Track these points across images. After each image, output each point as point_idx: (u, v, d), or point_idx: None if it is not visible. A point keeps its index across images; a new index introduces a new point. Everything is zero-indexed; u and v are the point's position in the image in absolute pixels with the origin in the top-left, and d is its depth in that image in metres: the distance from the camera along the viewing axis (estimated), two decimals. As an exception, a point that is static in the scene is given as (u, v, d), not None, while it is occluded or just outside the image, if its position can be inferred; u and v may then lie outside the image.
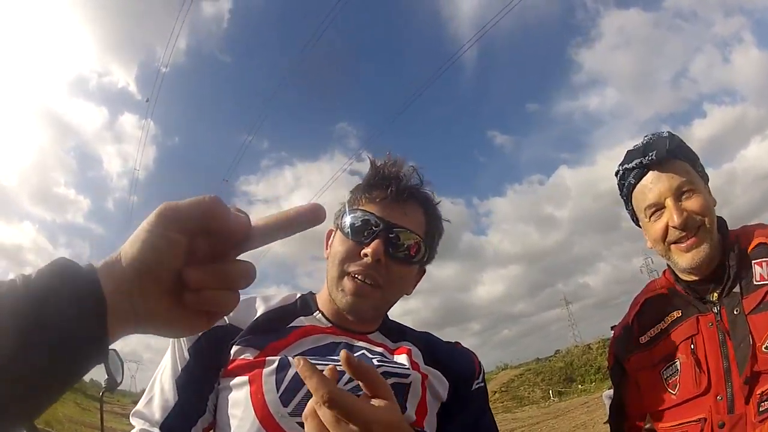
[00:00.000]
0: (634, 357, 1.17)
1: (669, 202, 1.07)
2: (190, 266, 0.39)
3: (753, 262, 1.05)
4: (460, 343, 1.04)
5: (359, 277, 0.87)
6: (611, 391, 1.31)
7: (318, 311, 0.94)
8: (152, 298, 0.38)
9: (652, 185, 1.09)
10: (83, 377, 0.37)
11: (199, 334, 0.85)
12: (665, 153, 1.07)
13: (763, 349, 0.99)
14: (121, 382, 1.94)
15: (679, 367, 1.08)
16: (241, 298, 0.71)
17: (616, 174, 1.18)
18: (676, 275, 1.15)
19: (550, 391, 29.70)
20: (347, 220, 0.90)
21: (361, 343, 0.91)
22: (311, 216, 0.42)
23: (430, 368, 0.91)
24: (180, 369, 0.87)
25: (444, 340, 1.03)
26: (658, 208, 1.09)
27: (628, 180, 1.14)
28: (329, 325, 0.92)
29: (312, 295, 0.99)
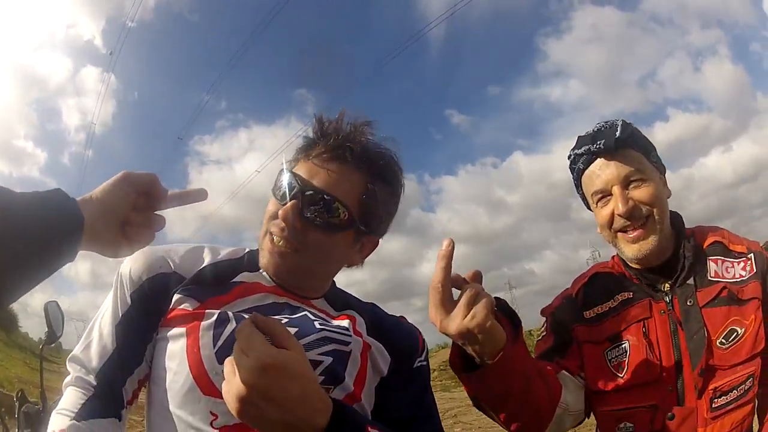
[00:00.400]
0: (580, 328, 1.12)
1: (616, 190, 1.05)
2: (134, 212, 0.69)
3: (708, 258, 1.06)
4: (405, 318, 1.01)
5: (275, 239, 0.84)
6: None
7: (263, 269, 0.90)
8: (106, 227, 0.65)
9: (600, 172, 1.08)
10: (58, 269, 0.60)
11: (143, 279, 0.85)
12: (614, 142, 1.05)
13: (718, 343, 0.99)
14: (60, 335, 1.89)
15: (627, 349, 1.05)
16: (189, 247, 0.93)
17: (568, 158, 1.17)
18: (625, 262, 1.12)
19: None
20: (279, 179, 0.87)
21: (303, 305, 0.88)
22: (197, 196, 0.76)
23: (372, 339, 0.89)
24: (120, 314, 0.85)
25: (389, 313, 1.00)
26: (605, 194, 1.07)
27: (577, 165, 1.13)
28: (273, 284, 0.89)
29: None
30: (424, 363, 0.94)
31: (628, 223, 1.04)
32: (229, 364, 0.63)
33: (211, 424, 0.74)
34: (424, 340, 0.97)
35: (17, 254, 0.54)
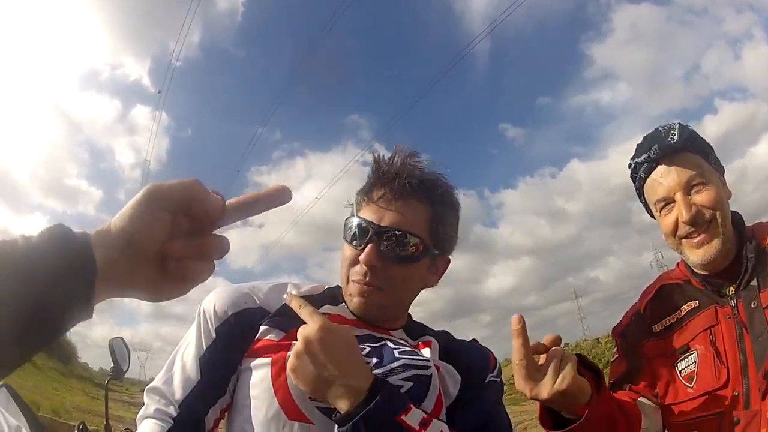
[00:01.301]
0: (649, 343, 1.14)
1: (678, 197, 1.04)
2: (173, 240, 0.45)
3: None
4: (477, 341, 1.04)
5: (359, 284, 0.89)
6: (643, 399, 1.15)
7: (344, 303, 0.94)
8: (137, 265, 0.44)
9: (662, 179, 1.07)
10: (67, 332, 0.42)
11: (229, 314, 0.88)
12: (671, 146, 1.05)
13: None
14: (127, 369, 1.96)
15: (696, 359, 1.05)
16: (272, 284, 0.95)
17: (629, 167, 1.16)
18: (690, 268, 1.12)
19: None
20: (348, 223, 0.92)
21: (384, 336, 0.92)
22: (277, 196, 0.49)
23: (443, 362, 0.92)
24: (205, 348, 0.87)
25: (462, 339, 1.04)
26: (668, 202, 1.07)
27: (639, 174, 1.13)
28: (354, 318, 0.93)
29: (339, 288, 0.98)
30: (497, 379, 0.96)
31: (693, 229, 1.04)
32: (301, 327, 0.77)
33: None
34: (496, 359, 0.99)
35: None
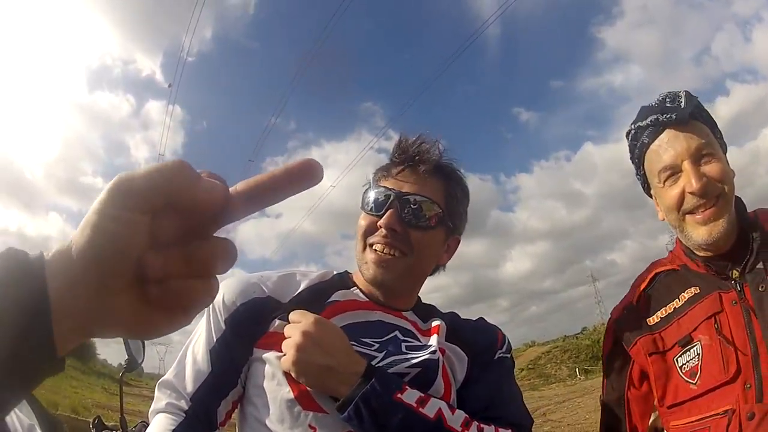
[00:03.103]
0: (642, 340, 1.04)
1: (687, 165, 0.96)
2: (151, 252, 0.30)
3: None
4: (483, 318, 1.04)
5: (378, 248, 0.90)
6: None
7: (355, 287, 0.96)
8: (111, 295, 0.30)
9: (668, 146, 0.98)
10: (32, 390, 0.30)
11: (238, 304, 0.87)
12: (683, 110, 0.97)
13: None
14: (141, 362, 1.90)
15: (700, 351, 0.95)
16: (281, 273, 0.94)
17: (628, 134, 1.07)
18: (690, 251, 1.04)
19: (577, 369, 29.79)
20: (366, 196, 0.94)
21: (395, 320, 0.93)
22: (303, 173, 0.32)
23: (449, 344, 0.93)
24: (215, 339, 0.87)
25: (468, 318, 1.04)
26: (674, 171, 0.98)
27: (641, 139, 1.03)
28: (366, 300, 0.94)
29: (348, 274, 1.00)
30: (506, 356, 0.97)
31: (701, 202, 0.95)
32: (291, 325, 0.82)
33: None
34: (504, 335, 1.00)
35: None
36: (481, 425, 0.83)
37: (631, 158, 1.09)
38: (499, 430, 0.84)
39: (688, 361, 0.97)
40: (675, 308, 1.02)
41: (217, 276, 0.32)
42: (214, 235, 0.32)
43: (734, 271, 0.98)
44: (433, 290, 1.02)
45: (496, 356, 0.95)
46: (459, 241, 1.03)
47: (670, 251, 1.12)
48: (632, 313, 1.09)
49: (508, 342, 1.00)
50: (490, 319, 1.05)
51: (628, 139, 1.07)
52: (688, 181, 0.95)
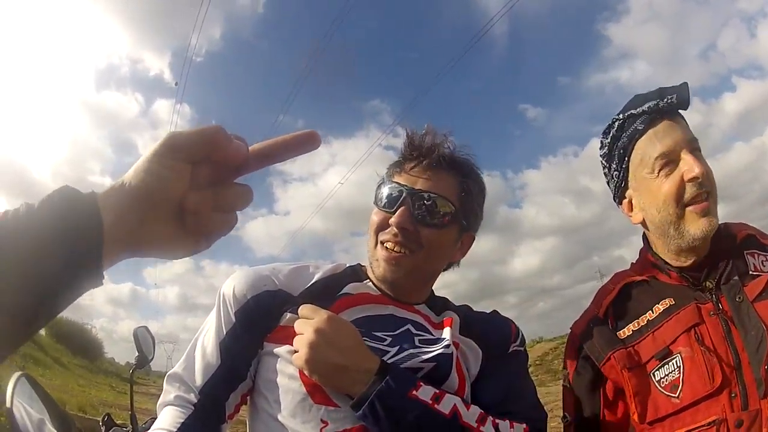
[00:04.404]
0: (617, 355, 0.98)
1: (685, 154, 0.93)
2: (191, 191, 0.40)
3: (745, 252, 0.98)
4: (497, 311, 1.03)
5: (389, 246, 0.89)
6: None
7: (368, 279, 0.96)
8: (154, 223, 0.40)
9: (665, 134, 0.95)
10: (75, 299, 0.38)
11: (248, 297, 0.87)
12: (686, 100, 0.95)
13: None
14: (152, 359, 1.94)
15: (680, 364, 0.92)
16: (293, 265, 0.94)
17: (612, 124, 1.03)
18: (663, 261, 1.01)
19: (584, 365, 29.49)
20: (379, 191, 0.93)
21: (407, 315, 0.92)
22: (305, 142, 0.43)
23: (463, 337, 0.92)
24: (225, 332, 0.86)
25: (482, 311, 1.03)
26: (671, 159, 0.94)
27: (633, 127, 0.98)
28: (379, 293, 0.93)
29: (361, 266, 1.00)
30: (520, 349, 0.97)
31: (700, 191, 0.92)
32: (302, 321, 0.81)
33: (321, 431, 0.78)
34: (518, 328, 0.99)
35: None
36: (496, 420, 0.82)
37: (608, 153, 1.05)
38: (514, 424, 0.83)
39: (667, 375, 0.94)
40: (648, 320, 0.98)
41: (236, 212, 0.43)
42: (236, 181, 0.43)
43: (708, 282, 0.96)
44: (441, 287, 0.98)
45: (510, 349, 0.95)
46: (473, 238, 1.01)
47: (633, 263, 1.10)
48: (600, 327, 1.03)
49: (522, 335, 0.99)
50: None
51: (610, 131, 1.03)
52: (689, 167, 0.91)
